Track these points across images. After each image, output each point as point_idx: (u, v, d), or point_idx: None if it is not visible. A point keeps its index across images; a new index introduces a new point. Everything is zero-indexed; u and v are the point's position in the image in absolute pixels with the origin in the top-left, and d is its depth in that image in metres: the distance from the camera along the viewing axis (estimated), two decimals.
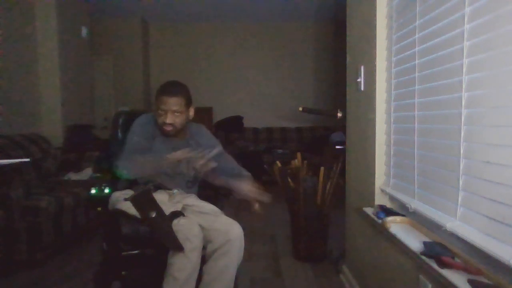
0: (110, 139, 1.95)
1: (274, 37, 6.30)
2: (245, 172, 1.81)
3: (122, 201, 1.58)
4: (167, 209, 1.51)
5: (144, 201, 1.37)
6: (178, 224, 1.46)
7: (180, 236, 1.41)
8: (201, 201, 1.71)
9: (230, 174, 1.75)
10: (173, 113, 1.64)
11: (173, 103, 1.63)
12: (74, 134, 3.96)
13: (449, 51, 1.17)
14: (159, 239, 1.42)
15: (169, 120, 1.64)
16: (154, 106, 1.70)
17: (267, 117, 6.30)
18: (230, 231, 1.51)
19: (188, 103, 1.71)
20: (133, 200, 1.35)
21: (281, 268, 2.45)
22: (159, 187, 1.69)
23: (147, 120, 1.75)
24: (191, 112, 1.74)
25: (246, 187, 1.63)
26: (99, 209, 1.72)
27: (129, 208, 1.47)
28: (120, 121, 1.92)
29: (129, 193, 1.59)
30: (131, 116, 1.87)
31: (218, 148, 1.74)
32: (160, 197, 1.58)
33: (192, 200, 1.69)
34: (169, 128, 1.67)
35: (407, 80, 1.48)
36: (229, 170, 1.78)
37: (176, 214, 1.52)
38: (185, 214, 1.57)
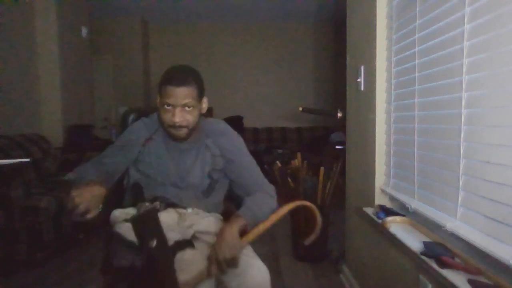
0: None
1: (274, 37, 6.29)
2: (268, 188, 1.35)
3: (122, 222, 1.22)
4: (174, 236, 1.17)
5: (146, 224, 1.08)
6: (181, 259, 1.11)
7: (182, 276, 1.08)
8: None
9: (247, 191, 1.34)
10: (183, 108, 1.24)
11: (183, 94, 1.22)
12: (74, 134, 3.96)
13: (449, 51, 1.17)
14: (156, 276, 1.07)
15: (178, 118, 1.23)
16: (156, 101, 1.34)
17: (267, 117, 6.30)
18: (249, 274, 1.10)
19: (201, 93, 1.29)
20: (134, 221, 1.09)
21: (281, 268, 2.45)
22: (170, 204, 1.31)
23: (140, 124, 1.43)
24: (204, 104, 1.33)
25: (220, 242, 1.06)
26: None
27: (128, 232, 1.13)
28: (130, 119, 1.65)
29: (131, 212, 1.26)
30: (140, 115, 1.58)
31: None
32: (168, 218, 1.23)
33: (208, 225, 1.28)
34: (179, 131, 1.27)
35: (407, 80, 1.48)
36: (248, 186, 1.35)
37: (181, 245, 1.16)
38: (195, 245, 1.20)
